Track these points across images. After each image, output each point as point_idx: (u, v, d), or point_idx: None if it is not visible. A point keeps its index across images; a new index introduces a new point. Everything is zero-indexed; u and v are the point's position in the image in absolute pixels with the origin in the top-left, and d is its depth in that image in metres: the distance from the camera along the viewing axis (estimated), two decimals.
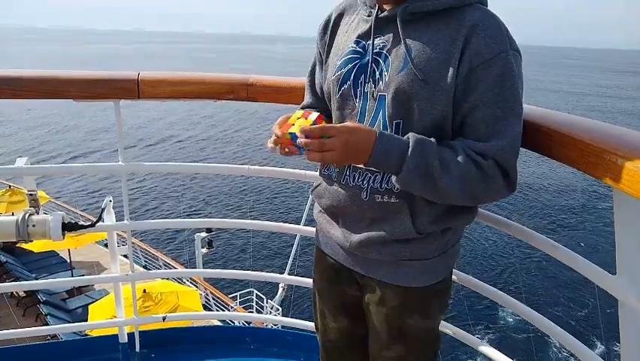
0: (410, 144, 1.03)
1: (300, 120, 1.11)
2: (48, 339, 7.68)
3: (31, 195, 1.65)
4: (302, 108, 1.36)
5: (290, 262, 10.79)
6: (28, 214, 1.59)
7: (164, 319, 2.21)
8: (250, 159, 28.06)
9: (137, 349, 2.17)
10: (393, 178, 1.07)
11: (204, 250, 13.67)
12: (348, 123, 1.05)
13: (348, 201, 1.20)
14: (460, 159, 1.03)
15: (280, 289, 11.54)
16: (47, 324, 10.19)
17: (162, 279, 8.89)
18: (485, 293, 1.56)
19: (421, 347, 1.29)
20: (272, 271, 2.41)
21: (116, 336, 2.15)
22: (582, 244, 18.48)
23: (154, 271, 11.06)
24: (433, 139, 1.05)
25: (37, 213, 1.63)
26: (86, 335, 6.79)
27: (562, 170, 26.87)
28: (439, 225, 1.17)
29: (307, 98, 1.42)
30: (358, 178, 1.17)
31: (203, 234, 13.65)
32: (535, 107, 1.21)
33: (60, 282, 3.04)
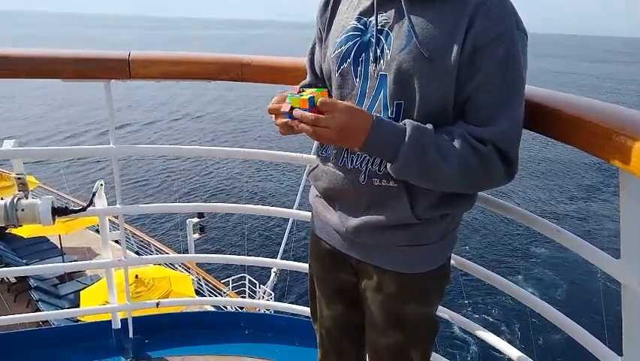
0: (407, 132, 1.00)
1: (307, 92, 1.05)
2: (40, 325, 7.65)
3: (19, 178, 1.61)
4: (302, 87, 1.33)
5: (282, 246, 10.81)
6: (16, 198, 1.55)
7: (157, 305, 2.19)
8: (246, 141, 28.05)
9: (131, 335, 2.15)
10: (389, 166, 1.05)
11: (196, 236, 13.65)
12: (349, 104, 1.02)
13: (345, 184, 1.17)
14: (458, 146, 1.00)
15: (272, 274, 11.57)
16: (39, 310, 10.17)
17: (155, 264, 8.88)
18: (483, 277, 1.55)
19: (418, 333, 1.27)
20: (265, 256, 2.40)
21: (109, 322, 2.13)
22: (585, 229, 18.57)
23: (146, 256, 11.01)
24: (430, 126, 1.03)
25: (26, 198, 1.59)
26: (78, 320, 6.78)
27: (566, 152, 27.02)
28: (438, 210, 1.14)
29: (308, 78, 1.38)
30: (356, 161, 1.14)
31: (195, 219, 13.61)
32: (541, 88, 1.18)
33: (52, 267, 2.98)
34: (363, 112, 1.01)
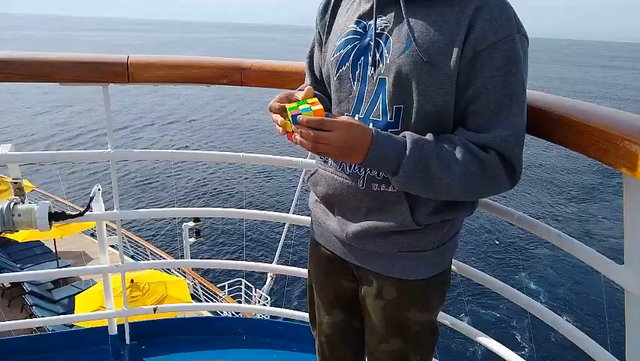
0: (407, 147, 0.99)
1: (304, 105, 1.04)
2: (34, 331, 7.59)
3: (16, 183, 1.59)
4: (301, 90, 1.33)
5: (278, 251, 10.79)
6: (13, 203, 1.54)
7: (155, 310, 2.17)
8: (244, 145, 27.99)
9: (128, 341, 2.13)
10: (391, 178, 1.04)
11: (192, 240, 13.60)
12: (346, 119, 1.00)
13: (344, 189, 1.16)
14: (459, 156, 0.99)
15: (269, 279, 11.55)
16: (33, 315, 10.10)
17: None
18: (485, 283, 1.54)
19: (418, 339, 1.25)
20: (261, 260, 2.39)
21: (105, 328, 2.10)
22: (588, 234, 18.52)
23: (144, 262, 11.02)
24: (430, 136, 1.02)
25: (23, 203, 1.58)
26: (73, 325, 6.73)
27: (567, 156, 27.03)
28: (438, 216, 1.13)
29: (307, 81, 1.38)
30: (355, 165, 1.13)
31: (191, 223, 13.56)
32: (544, 93, 1.18)
33: (49, 273, 2.97)
34: (363, 127, 1.00)
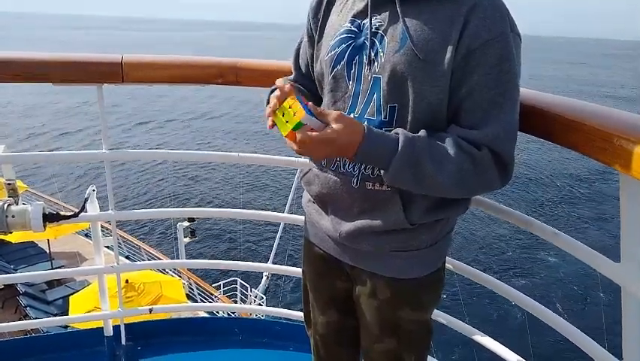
0: (399, 142, 0.99)
1: (294, 107, 1.02)
2: (29, 332, 7.55)
3: (9, 184, 1.58)
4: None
5: (273, 250, 10.80)
6: (6, 204, 1.53)
7: (150, 311, 2.16)
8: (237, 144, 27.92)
9: (123, 342, 2.12)
10: (382, 173, 1.04)
11: (187, 240, 13.56)
12: (335, 114, 1.00)
13: (338, 188, 1.16)
14: (452, 152, 0.99)
15: (264, 278, 11.56)
16: (27, 316, 10.06)
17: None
18: (480, 281, 1.54)
19: (413, 338, 1.26)
20: (256, 260, 2.39)
21: (100, 329, 2.09)
22: (584, 232, 18.55)
23: (140, 262, 10.98)
24: (422, 133, 1.02)
25: (17, 204, 1.57)
26: (67, 326, 6.70)
27: (563, 156, 27.10)
28: (432, 215, 1.13)
29: (293, 74, 1.37)
30: (349, 165, 1.13)
31: (186, 223, 13.52)
32: (539, 91, 1.18)
33: (43, 274, 2.95)
34: (354, 123, 1.00)
